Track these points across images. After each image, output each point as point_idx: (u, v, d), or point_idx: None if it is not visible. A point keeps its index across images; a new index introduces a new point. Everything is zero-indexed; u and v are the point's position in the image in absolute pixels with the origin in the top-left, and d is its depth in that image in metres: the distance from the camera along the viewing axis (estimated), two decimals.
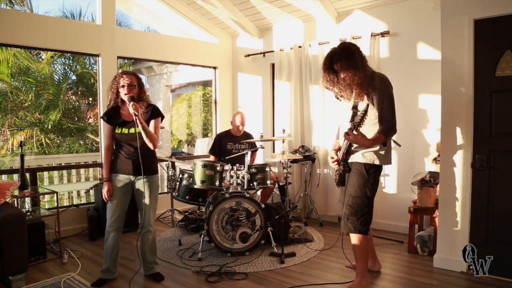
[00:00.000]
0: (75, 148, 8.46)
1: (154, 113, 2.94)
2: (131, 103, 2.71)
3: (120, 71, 3.46)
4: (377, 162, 2.59)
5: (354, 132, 2.40)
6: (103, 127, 2.94)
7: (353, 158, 2.64)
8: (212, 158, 4.58)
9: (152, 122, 2.90)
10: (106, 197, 2.86)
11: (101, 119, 2.94)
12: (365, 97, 2.57)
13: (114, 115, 2.88)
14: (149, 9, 5.46)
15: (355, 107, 2.62)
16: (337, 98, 2.79)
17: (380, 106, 2.51)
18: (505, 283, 2.81)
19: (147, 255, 3.00)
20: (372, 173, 2.61)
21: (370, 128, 2.58)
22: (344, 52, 2.54)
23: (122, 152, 2.86)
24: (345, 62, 2.51)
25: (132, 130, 2.81)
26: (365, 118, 2.43)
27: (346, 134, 2.44)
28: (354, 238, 2.66)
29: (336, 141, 2.98)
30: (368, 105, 2.51)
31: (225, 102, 5.83)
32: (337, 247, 3.68)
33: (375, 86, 2.53)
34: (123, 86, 2.79)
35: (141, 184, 2.88)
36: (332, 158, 2.79)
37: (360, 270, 2.69)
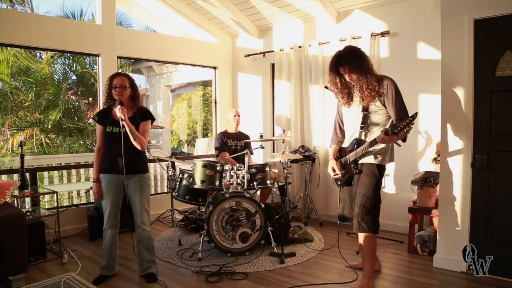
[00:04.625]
0: (75, 148, 8.46)
1: (144, 115, 2.97)
2: (119, 106, 2.75)
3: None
4: (384, 162, 2.70)
5: (390, 133, 2.38)
6: (96, 128, 2.98)
7: (364, 160, 2.70)
8: (223, 156, 4.49)
9: (141, 125, 2.94)
10: (96, 197, 2.97)
11: (93, 119, 2.98)
12: (377, 99, 2.60)
13: (105, 115, 2.92)
14: (149, 9, 5.46)
15: (365, 110, 2.65)
16: (346, 103, 2.78)
17: (394, 106, 2.57)
18: (505, 283, 2.81)
19: (143, 253, 3.00)
20: (381, 173, 2.71)
21: (382, 128, 2.63)
22: (351, 55, 2.59)
23: (111, 151, 2.88)
24: (351, 65, 2.57)
25: (123, 129, 2.83)
26: (412, 125, 2.35)
27: (382, 138, 2.41)
28: (366, 238, 2.68)
29: (334, 147, 2.98)
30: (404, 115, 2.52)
31: (225, 102, 5.83)
32: (337, 247, 3.67)
33: (385, 89, 2.58)
34: (115, 88, 2.84)
35: (131, 183, 2.90)
36: (334, 171, 2.84)
37: (368, 271, 2.72)
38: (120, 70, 9.61)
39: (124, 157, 2.79)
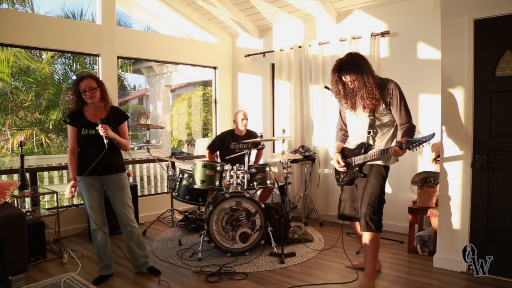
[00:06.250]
0: None
1: (119, 118, 2.99)
2: (100, 125, 2.74)
3: (75, 76, 3.40)
4: (389, 163, 2.75)
5: (404, 147, 2.47)
6: (68, 130, 2.90)
7: (372, 161, 2.73)
8: (207, 153, 4.55)
9: (120, 129, 2.97)
10: (70, 193, 2.77)
11: (64, 122, 2.94)
12: (381, 104, 2.65)
13: (78, 117, 2.88)
14: (149, 9, 5.46)
15: (372, 114, 2.68)
16: (350, 108, 2.78)
17: (399, 110, 2.63)
18: (505, 283, 2.81)
19: (136, 250, 3.03)
20: (387, 173, 2.77)
21: (387, 132, 2.71)
22: (352, 63, 2.63)
23: (89, 153, 2.85)
24: (353, 73, 2.62)
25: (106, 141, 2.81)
26: (427, 145, 2.49)
27: (395, 151, 2.51)
28: (372, 237, 2.70)
29: (338, 143, 3.00)
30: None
31: (225, 102, 5.83)
32: (337, 247, 3.68)
33: (390, 93, 2.63)
34: (84, 92, 2.80)
35: (112, 182, 2.92)
36: (339, 163, 2.85)
37: (369, 270, 2.73)
38: (119, 70, 9.64)
39: (105, 158, 2.79)
